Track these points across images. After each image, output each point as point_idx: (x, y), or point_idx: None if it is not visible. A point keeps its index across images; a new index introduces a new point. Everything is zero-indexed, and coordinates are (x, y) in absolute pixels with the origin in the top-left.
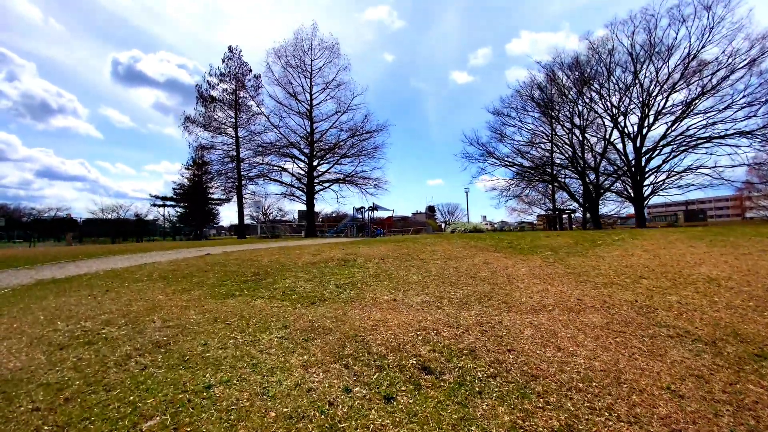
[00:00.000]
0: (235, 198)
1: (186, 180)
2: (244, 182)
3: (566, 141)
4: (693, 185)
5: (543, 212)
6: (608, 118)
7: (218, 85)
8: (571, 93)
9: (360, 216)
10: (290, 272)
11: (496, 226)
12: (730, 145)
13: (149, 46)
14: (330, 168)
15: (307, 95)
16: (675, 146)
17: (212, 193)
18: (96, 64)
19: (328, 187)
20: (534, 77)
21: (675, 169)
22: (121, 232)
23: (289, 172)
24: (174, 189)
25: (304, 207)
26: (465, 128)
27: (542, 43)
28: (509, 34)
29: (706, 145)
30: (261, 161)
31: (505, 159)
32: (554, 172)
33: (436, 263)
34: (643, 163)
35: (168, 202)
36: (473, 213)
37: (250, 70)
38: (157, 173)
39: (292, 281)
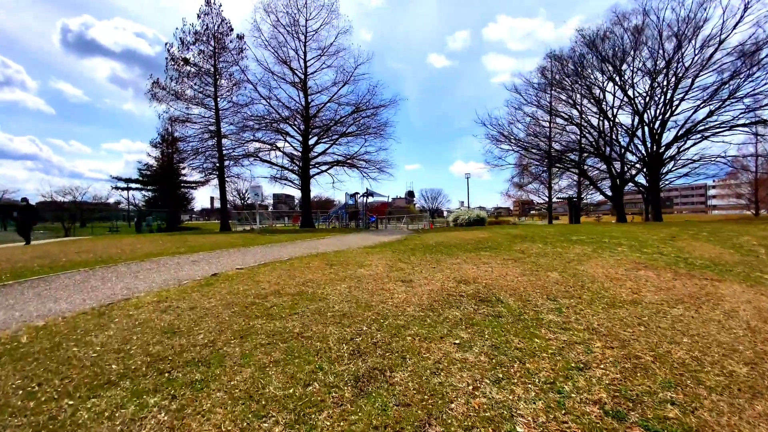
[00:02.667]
0: (213, 181)
1: (154, 160)
2: (226, 163)
3: (593, 125)
4: (702, 174)
5: (542, 200)
6: (631, 101)
7: (193, 45)
8: (607, 67)
9: (353, 202)
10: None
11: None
12: (752, 133)
13: (102, 11)
14: (328, 148)
15: (302, 62)
16: (696, 133)
17: (186, 175)
18: (43, 30)
19: (326, 170)
20: (560, 51)
21: (693, 158)
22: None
23: (281, 151)
24: (140, 170)
25: (282, 191)
26: (445, 114)
27: (519, 29)
28: (486, 17)
29: (726, 132)
30: (247, 138)
31: (524, 142)
32: (580, 158)
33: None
34: (661, 151)
35: (133, 185)
36: (453, 199)
37: (231, 29)
38: (117, 152)
39: None
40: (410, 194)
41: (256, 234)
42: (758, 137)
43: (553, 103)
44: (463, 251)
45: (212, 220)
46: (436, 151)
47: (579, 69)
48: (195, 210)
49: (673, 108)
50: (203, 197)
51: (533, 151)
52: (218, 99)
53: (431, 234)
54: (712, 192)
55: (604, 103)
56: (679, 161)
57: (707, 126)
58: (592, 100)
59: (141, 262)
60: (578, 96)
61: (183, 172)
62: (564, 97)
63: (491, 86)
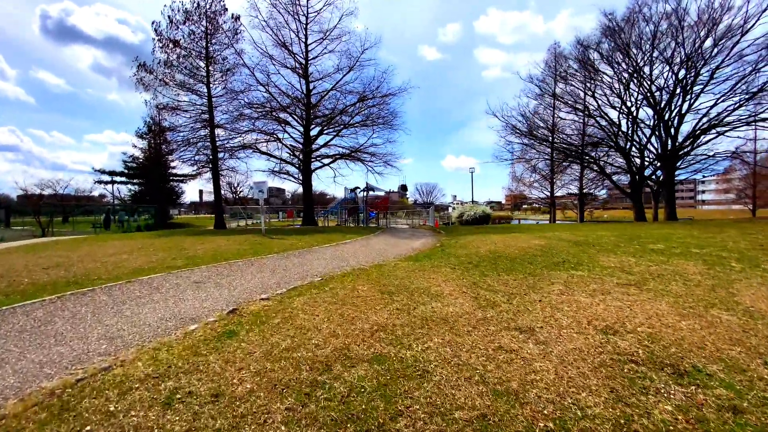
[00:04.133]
0: (205, 174)
1: (140, 151)
2: (221, 155)
3: (612, 118)
4: (712, 169)
5: (543, 196)
6: (649, 94)
7: (183, 25)
8: (632, 54)
9: (353, 197)
10: None
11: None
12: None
13: None
14: (331, 140)
15: (302, 46)
16: (718, 126)
17: (175, 168)
18: (22, 16)
19: (329, 164)
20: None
21: (707, 153)
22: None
23: (281, 142)
24: (125, 162)
25: (282, 185)
26: (437, 108)
27: (510, 22)
28: (478, 10)
29: (743, 128)
30: (244, 128)
31: (542, 135)
32: (597, 153)
33: None
34: (677, 145)
35: (118, 178)
36: (447, 194)
37: (226, 9)
38: (101, 144)
39: None
40: (403, 188)
41: (261, 237)
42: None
43: (570, 95)
44: (543, 268)
45: (202, 214)
46: (427, 144)
47: (595, 60)
48: (185, 204)
49: (692, 101)
50: (192, 190)
51: (548, 144)
52: (211, 85)
53: (466, 237)
54: (700, 187)
55: (625, 94)
56: (692, 156)
57: (724, 120)
58: (612, 91)
59: (127, 283)
60: (597, 87)
61: (172, 164)
62: (583, 88)
63: (483, 80)
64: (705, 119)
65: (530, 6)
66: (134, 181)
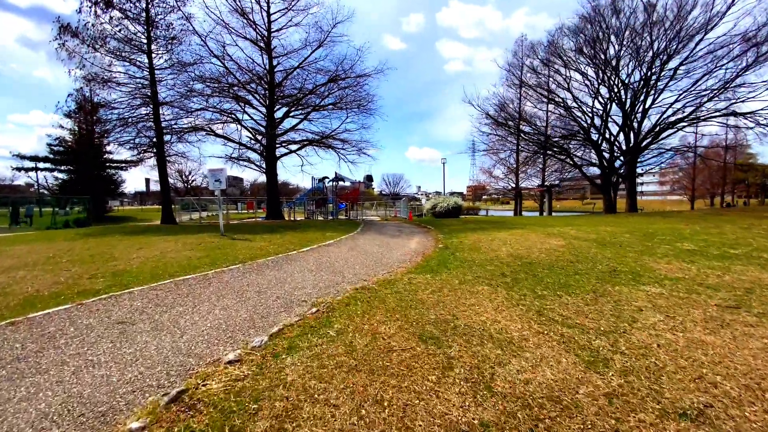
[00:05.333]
0: (151, 161)
1: (68, 133)
2: (168, 138)
3: (584, 109)
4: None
5: (510, 186)
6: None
7: None
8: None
9: (321, 188)
10: None
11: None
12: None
13: None
14: (298, 124)
15: (264, 15)
16: (681, 122)
17: (112, 153)
18: None
19: (296, 150)
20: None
21: (665, 148)
22: None
23: (241, 124)
24: (50, 145)
25: (242, 173)
26: (399, 98)
27: (470, 16)
28: (439, 1)
29: (701, 123)
30: (196, 106)
31: (510, 123)
32: (568, 144)
33: None
34: (639, 140)
35: (42, 164)
36: (412, 184)
37: None
38: (28, 126)
39: None
40: (369, 179)
41: (220, 237)
42: (697, 128)
43: (543, 87)
44: (599, 281)
45: (149, 206)
46: (390, 135)
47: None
48: (129, 193)
49: (656, 96)
50: (135, 179)
51: (524, 134)
52: (154, 55)
53: (466, 235)
54: (638, 179)
55: (594, 88)
56: (653, 149)
57: (686, 116)
58: (584, 84)
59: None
60: (570, 81)
61: (108, 148)
62: (553, 81)
63: (446, 73)
64: (669, 113)
65: (490, 1)
66: (62, 168)
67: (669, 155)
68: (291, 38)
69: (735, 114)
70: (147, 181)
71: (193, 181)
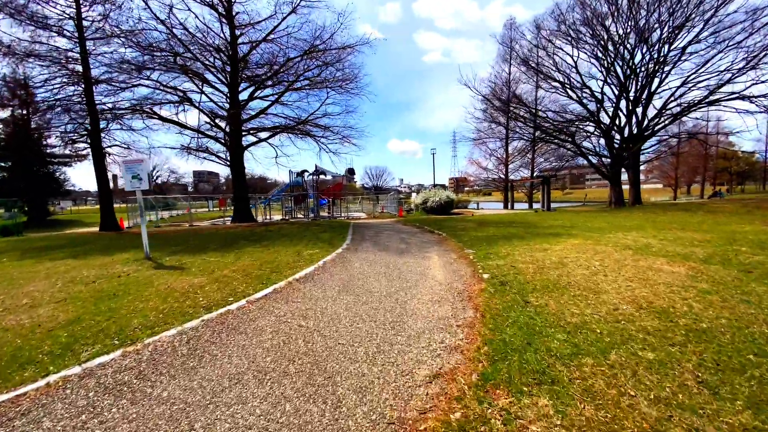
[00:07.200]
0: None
1: (0, 125)
2: (106, 123)
3: (594, 96)
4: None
5: (498, 177)
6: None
7: None
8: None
9: (300, 182)
10: None
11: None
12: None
13: None
14: (269, 107)
15: None
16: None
17: (54, 147)
18: None
19: (268, 138)
20: None
21: (668, 134)
22: None
23: (197, 107)
24: None
25: (205, 167)
26: (378, 89)
27: (447, 6)
28: None
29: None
30: (135, 81)
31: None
32: (577, 135)
33: None
34: (644, 125)
35: None
36: (395, 177)
37: None
38: None
39: None
40: (351, 172)
41: (139, 265)
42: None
43: (554, 66)
44: None
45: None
46: (372, 126)
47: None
48: (80, 193)
49: (662, 80)
50: (84, 176)
51: (530, 119)
52: (84, 22)
53: (505, 249)
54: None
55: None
56: (657, 137)
57: (704, 98)
58: (597, 60)
59: None
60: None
61: (50, 141)
62: (567, 59)
63: (424, 64)
64: (679, 96)
65: None
66: None
67: (663, 143)
68: (258, 4)
69: (752, 97)
70: (112, 178)
71: (159, 175)
